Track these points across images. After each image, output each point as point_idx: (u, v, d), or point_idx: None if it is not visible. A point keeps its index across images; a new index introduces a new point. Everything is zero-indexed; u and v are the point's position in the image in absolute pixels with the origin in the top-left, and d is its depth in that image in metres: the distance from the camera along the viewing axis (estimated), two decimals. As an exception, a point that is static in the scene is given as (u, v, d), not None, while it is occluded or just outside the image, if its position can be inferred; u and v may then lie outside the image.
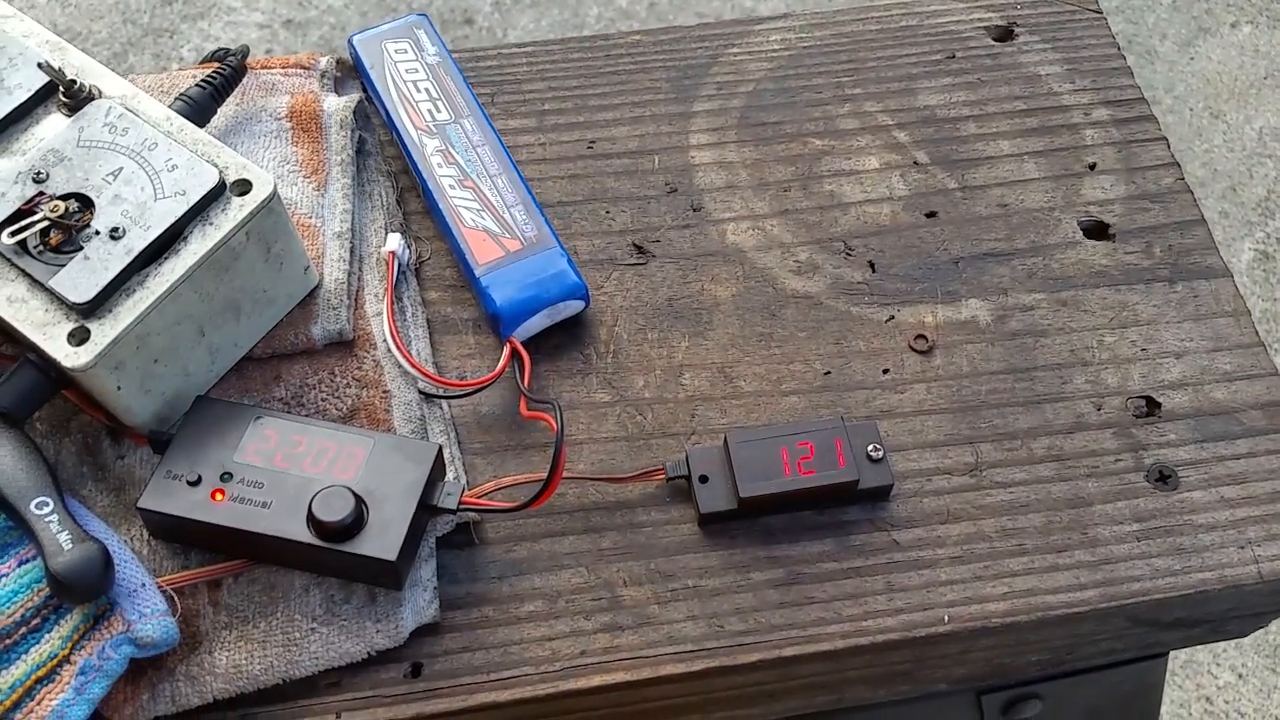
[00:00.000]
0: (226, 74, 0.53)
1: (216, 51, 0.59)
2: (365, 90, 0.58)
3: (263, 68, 0.57)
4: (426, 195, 0.54)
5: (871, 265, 0.55)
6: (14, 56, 0.47)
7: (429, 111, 0.55)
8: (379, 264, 0.52)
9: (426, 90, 0.56)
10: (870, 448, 0.48)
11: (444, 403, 0.50)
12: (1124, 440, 0.50)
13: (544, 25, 1.84)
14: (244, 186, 0.44)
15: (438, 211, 0.53)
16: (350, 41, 0.58)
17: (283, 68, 0.57)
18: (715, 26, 0.64)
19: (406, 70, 0.57)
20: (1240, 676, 1.28)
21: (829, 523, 0.48)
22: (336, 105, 0.55)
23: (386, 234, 0.53)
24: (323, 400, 0.48)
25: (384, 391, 0.49)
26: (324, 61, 0.57)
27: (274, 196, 0.44)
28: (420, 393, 0.49)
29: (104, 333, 0.41)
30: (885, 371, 0.52)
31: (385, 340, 0.50)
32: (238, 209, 0.44)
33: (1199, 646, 1.27)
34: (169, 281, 0.42)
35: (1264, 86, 1.74)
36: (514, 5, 1.87)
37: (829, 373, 0.52)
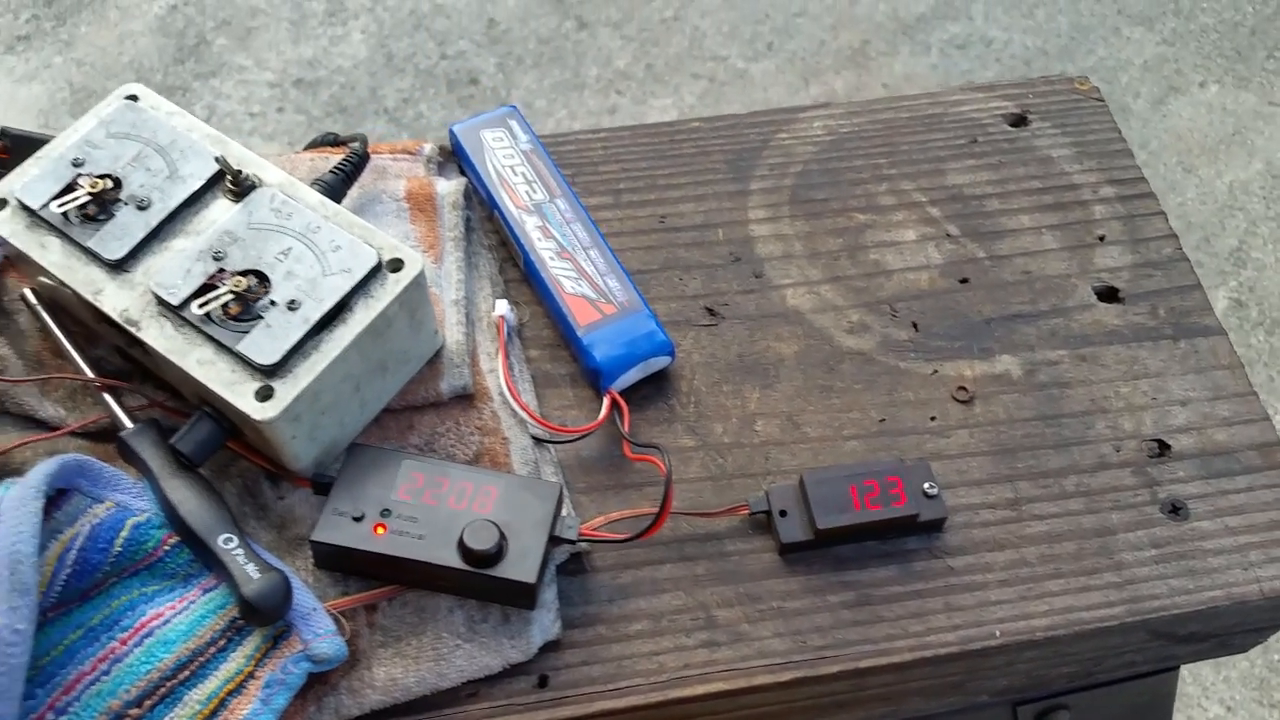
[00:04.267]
0: (355, 161, 0.60)
1: (327, 135, 0.66)
2: (463, 172, 0.66)
3: (373, 152, 0.64)
4: (528, 265, 0.61)
5: (915, 325, 0.63)
6: (184, 149, 0.54)
7: (526, 193, 0.63)
8: (489, 326, 0.60)
9: (523, 174, 0.64)
10: (926, 485, 0.55)
11: (552, 447, 0.57)
12: (1141, 477, 0.58)
13: (545, 85, 1.91)
14: (397, 264, 0.51)
15: (539, 279, 0.61)
16: (451, 130, 0.65)
17: (390, 152, 0.65)
18: (764, 114, 0.72)
19: (504, 156, 0.64)
20: (1229, 709, 1.34)
21: (893, 551, 0.55)
22: (448, 189, 0.62)
23: (494, 300, 0.60)
24: (451, 446, 0.55)
25: (503, 438, 0.56)
26: (428, 148, 0.65)
27: (422, 273, 0.52)
28: (533, 438, 0.56)
29: (287, 390, 0.48)
30: (932, 419, 0.60)
31: (501, 393, 0.57)
32: (394, 284, 0.51)
33: (1189, 681, 1.34)
34: (341, 346, 0.49)
35: (1232, 143, 1.85)
36: (516, 66, 1.94)
37: (884, 420, 0.60)
